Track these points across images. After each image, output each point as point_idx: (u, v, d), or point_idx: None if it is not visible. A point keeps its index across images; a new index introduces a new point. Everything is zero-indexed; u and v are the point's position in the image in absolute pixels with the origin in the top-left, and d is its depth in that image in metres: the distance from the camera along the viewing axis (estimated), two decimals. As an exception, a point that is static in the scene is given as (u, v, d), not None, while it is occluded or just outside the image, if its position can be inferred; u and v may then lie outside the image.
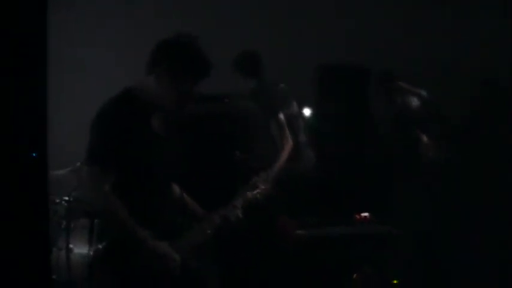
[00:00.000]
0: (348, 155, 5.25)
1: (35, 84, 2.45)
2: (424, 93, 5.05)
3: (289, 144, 4.42)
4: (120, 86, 2.77)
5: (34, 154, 2.35)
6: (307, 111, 5.18)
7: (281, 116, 4.42)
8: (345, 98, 5.24)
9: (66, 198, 4.52)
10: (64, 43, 4.87)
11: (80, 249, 4.41)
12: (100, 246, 2.78)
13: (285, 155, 4.38)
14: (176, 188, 3.01)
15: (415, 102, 4.98)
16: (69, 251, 4.39)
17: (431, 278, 4.20)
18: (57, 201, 4.56)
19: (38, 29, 2.37)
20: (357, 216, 4.39)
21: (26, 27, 2.34)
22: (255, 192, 3.17)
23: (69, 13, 4.88)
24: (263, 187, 3.21)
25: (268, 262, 4.34)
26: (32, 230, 2.46)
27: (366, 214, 4.40)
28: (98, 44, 5.18)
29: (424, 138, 4.89)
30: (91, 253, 4.27)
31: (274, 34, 5.44)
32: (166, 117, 2.83)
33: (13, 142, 2.40)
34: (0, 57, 2.30)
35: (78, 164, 4.48)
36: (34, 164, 2.45)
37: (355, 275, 4.20)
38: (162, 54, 2.73)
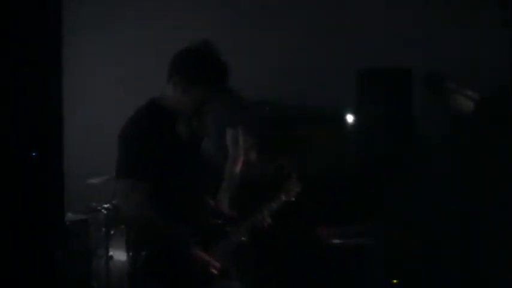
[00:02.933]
0: (388, 158, 5.16)
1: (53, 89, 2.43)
2: (474, 94, 4.88)
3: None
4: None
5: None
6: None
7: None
8: (385, 100, 5.13)
9: (106, 205, 4.58)
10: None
11: (120, 256, 4.48)
12: (138, 256, 2.80)
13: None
14: (208, 199, 3.07)
15: (464, 103, 4.82)
16: (108, 258, 4.47)
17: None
18: (98, 208, 4.64)
19: (54, 28, 2.35)
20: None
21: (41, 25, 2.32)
22: (288, 194, 3.32)
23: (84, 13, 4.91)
24: (296, 189, 3.37)
25: (304, 271, 4.32)
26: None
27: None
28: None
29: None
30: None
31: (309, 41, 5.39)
32: (190, 123, 2.89)
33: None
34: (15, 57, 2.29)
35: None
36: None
37: None
38: (174, 64, 2.77)
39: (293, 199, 3.34)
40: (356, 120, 5.16)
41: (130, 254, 3.91)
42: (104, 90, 5.18)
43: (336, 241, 4.26)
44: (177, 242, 2.69)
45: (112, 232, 4.53)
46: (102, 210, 4.58)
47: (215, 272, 2.73)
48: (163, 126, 2.76)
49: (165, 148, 2.72)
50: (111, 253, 4.47)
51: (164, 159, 2.71)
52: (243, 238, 2.99)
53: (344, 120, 5.17)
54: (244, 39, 5.26)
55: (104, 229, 4.53)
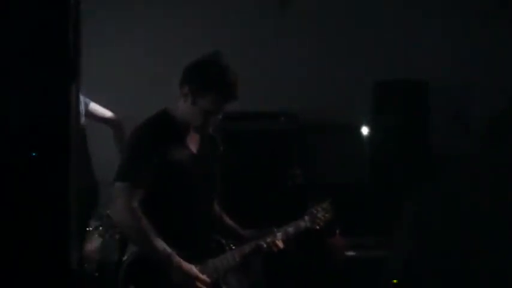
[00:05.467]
0: (407, 167, 5.13)
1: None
2: None
3: None
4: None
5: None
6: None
7: None
8: (402, 111, 5.12)
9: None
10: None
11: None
12: (121, 262, 2.83)
13: None
14: (217, 209, 3.03)
15: None
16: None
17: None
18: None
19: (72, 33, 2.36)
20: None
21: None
22: (312, 221, 3.11)
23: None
24: (324, 217, 3.15)
25: (316, 283, 4.28)
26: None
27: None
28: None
29: None
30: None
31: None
32: (204, 135, 2.89)
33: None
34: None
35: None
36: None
37: None
38: (186, 74, 2.80)
39: (317, 228, 3.12)
40: (372, 131, 5.15)
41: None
42: (121, 98, 5.20)
43: (350, 253, 4.22)
44: (157, 252, 2.66)
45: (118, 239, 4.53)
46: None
47: (203, 287, 2.72)
48: (172, 136, 2.78)
49: (171, 158, 2.73)
50: (124, 258, 4.47)
51: (168, 169, 2.72)
52: (237, 259, 2.87)
53: (360, 131, 5.16)
54: (259, 48, 5.27)
55: (117, 236, 4.54)
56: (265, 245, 2.92)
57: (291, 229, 3.04)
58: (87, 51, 2.41)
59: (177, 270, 2.67)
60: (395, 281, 3.65)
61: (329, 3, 5.36)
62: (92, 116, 4.10)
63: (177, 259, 2.68)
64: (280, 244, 2.96)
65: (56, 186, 2.44)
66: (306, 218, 3.11)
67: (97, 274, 4.31)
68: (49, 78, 2.33)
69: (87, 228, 4.34)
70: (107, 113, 4.18)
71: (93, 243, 4.32)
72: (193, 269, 2.72)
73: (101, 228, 4.41)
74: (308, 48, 5.33)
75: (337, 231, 4.35)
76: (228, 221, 3.06)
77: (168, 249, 2.67)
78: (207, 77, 2.74)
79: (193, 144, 2.86)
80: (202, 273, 2.75)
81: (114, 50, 5.13)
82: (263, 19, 5.31)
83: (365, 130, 5.19)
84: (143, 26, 5.23)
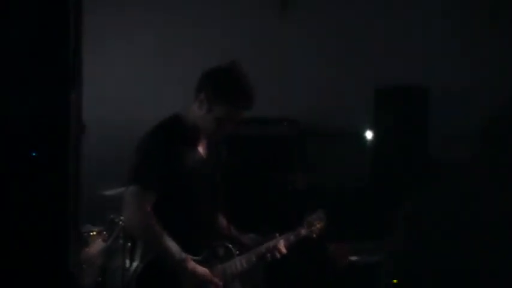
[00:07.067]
0: (407, 172, 5.13)
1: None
2: None
3: None
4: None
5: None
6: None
7: None
8: (402, 117, 5.13)
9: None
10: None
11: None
12: (137, 266, 2.80)
13: None
14: (223, 220, 3.04)
15: None
16: (125, 270, 4.45)
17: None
18: (115, 220, 4.64)
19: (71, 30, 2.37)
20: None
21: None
22: (310, 230, 3.15)
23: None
24: (319, 225, 3.19)
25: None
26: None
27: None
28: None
29: None
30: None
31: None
32: (210, 141, 2.90)
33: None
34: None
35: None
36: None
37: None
38: (202, 82, 2.80)
39: (314, 236, 3.15)
40: (372, 136, 5.16)
41: (128, 263, 3.87)
42: (124, 103, 5.22)
43: (352, 258, 4.20)
44: (172, 256, 2.67)
45: (129, 244, 4.53)
46: (120, 222, 4.60)
47: None
48: (184, 141, 2.78)
49: (183, 162, 2.74)
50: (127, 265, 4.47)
51: (180, 174, 2.73)
52: (244, 265, 2.91)
53: (361, 136, 5.17)
54: (260, 51, 5.25)
55: (121, 241, 4.54)
56: (269, 253, 2.95)
57: (292, 236, 3.07)
58: (87, 51, 2.44)
59: (192, 274, 2.69)
60: (395, 281, 3.62)
61: (330, 6, 5.36)
62: None
63: (192, 263, 2.70)
64: (283, 249, 2.99)
65: (55, 186, 2.46)
66: (305, 225, 3.15)
67: (100, 278, 4.32)
68: (49, 78, 2.35)
69: (91, 233, 4.37)
70: None
71: (96, 248, 4.33)
72: (208, 272, 2.75)
73: (104, 232, 4.44)
74: (309, 53, 5.34)
75: (336, 239, 4.36)
76: (234, 231, 3.06)
77: (183, 253, 2.69)
78: (222, 85, 2.75)
79: (202, 149, 2.88)
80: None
81: (114, 50, 5.14)
82: (264, 20, 5.32)
83: (365, 135, 5.20)
84: (144, 26, 5.23)
